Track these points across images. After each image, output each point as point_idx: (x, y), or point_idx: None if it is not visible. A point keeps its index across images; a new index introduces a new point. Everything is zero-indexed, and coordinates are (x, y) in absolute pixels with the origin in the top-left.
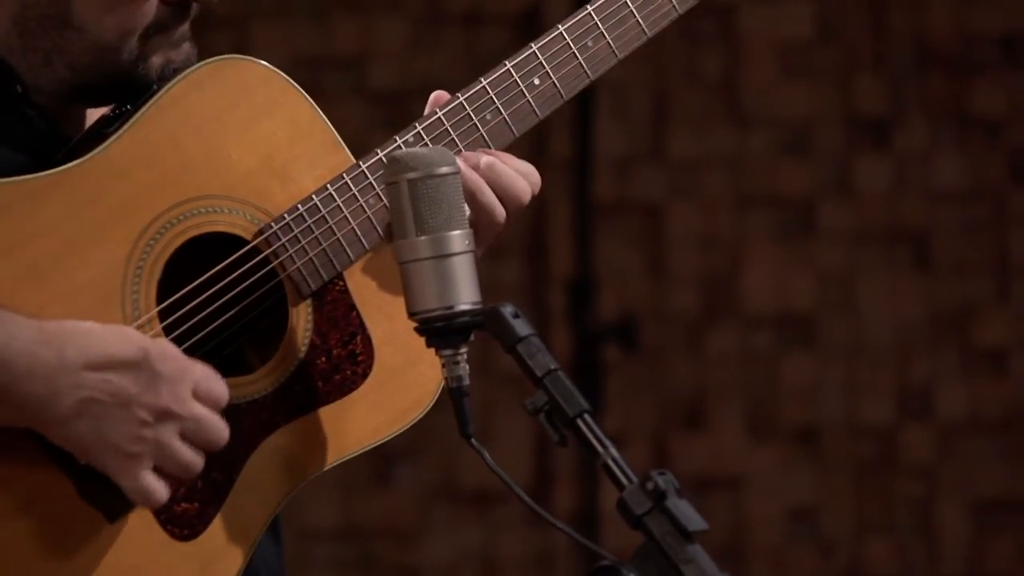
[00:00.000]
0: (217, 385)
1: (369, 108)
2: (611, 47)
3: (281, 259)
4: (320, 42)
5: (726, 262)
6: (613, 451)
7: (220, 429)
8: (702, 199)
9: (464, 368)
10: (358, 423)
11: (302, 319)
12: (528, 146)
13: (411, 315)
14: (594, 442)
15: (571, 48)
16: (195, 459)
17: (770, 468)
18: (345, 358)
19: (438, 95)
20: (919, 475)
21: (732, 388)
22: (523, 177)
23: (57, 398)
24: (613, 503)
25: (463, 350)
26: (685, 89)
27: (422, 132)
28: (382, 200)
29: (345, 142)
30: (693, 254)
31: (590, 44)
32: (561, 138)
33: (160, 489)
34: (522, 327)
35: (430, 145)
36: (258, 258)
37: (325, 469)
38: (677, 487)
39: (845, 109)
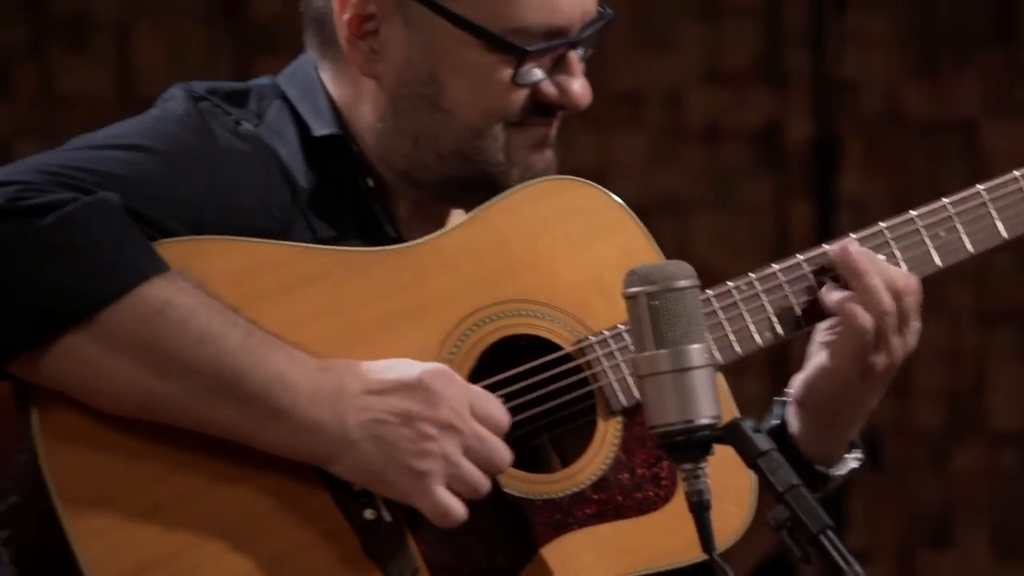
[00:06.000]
0: (496, 408)
1: None
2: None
3: (595, 371)
4: (561, 156)
5: (971, 378)
6: (857, 568)
7: (502, 449)
8: (946, 315)
9: (705, 483)
10: (653, 544)
11: (610, 433)
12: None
13: (651, 428)
14: (838, 559)
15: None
16: (482, 478)
17: None
18: (649, 479)
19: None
20: None
21: (978, 506)
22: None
23: (344, 422)
24: None
25: (703, 464)
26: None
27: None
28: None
29: None
30: (937, 370)
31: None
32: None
33: (457, 506)
34: (763, 442)
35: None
36: (571, 364)
37: None
38: None
39: None
